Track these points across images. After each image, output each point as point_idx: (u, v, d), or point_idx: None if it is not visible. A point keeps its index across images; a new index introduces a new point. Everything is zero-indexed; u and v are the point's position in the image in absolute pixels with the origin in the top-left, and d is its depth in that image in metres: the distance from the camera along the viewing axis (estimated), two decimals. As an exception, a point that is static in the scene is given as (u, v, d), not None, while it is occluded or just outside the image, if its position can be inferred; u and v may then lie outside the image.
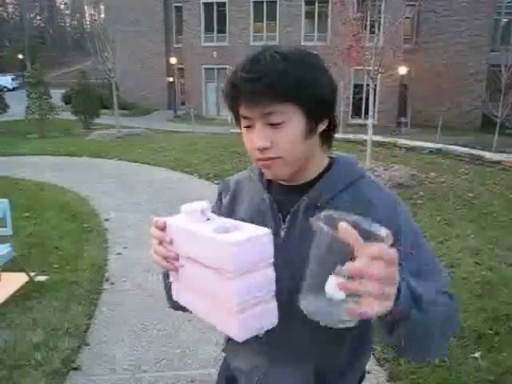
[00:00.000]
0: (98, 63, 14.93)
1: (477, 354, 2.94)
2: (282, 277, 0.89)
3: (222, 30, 22.80)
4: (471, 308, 3.47)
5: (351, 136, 12.14)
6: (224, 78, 1.01)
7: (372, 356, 2.80)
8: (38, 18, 65.23)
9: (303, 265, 0.77)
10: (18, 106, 16.78)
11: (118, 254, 4.58)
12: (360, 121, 19.06)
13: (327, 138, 1.04)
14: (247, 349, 1.09)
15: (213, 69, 22.74)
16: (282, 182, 1.05)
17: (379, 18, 9.67)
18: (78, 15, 71.82)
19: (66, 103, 20.50)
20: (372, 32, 9.52)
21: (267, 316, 0.87)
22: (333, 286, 0.72)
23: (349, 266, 0.69)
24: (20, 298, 3.71)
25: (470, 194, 6.93)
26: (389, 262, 0.70)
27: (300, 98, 0.92)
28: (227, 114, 15.45)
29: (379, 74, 8.45)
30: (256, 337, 0.87)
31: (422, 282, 0.86)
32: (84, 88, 16.76)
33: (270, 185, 1.08)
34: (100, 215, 5.74)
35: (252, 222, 0.90)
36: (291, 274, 0.91)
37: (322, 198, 0.99)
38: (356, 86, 20.39)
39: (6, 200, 3.82)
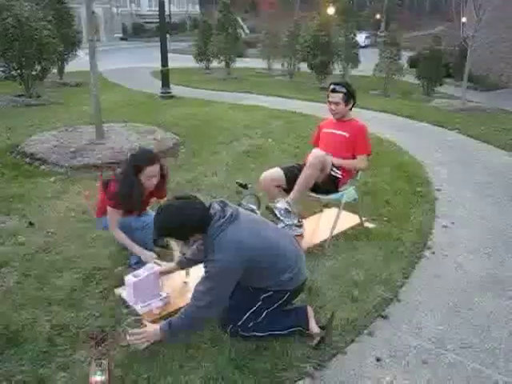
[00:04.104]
0: (455, 29, 14.10)
1: None
2: None
3: None
4: None
5: None
6: None
7: None
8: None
9: None
10: (365, 63, 17.78)
11: (444, 226, 4.46)
12: None
13: None
14: None
15: None
16: None
17: None
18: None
19: (410, 66, 20.53)
20: None
21: None
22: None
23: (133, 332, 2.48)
24: (350, 236, 4.11)
25: None
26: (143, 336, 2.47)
27: None
28: None
29: None
30: None
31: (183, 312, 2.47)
32: (433, 53, 16.30)
33: None
34: (433, 183, 5.66)
35: None
36: None
37: None
38: None
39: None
